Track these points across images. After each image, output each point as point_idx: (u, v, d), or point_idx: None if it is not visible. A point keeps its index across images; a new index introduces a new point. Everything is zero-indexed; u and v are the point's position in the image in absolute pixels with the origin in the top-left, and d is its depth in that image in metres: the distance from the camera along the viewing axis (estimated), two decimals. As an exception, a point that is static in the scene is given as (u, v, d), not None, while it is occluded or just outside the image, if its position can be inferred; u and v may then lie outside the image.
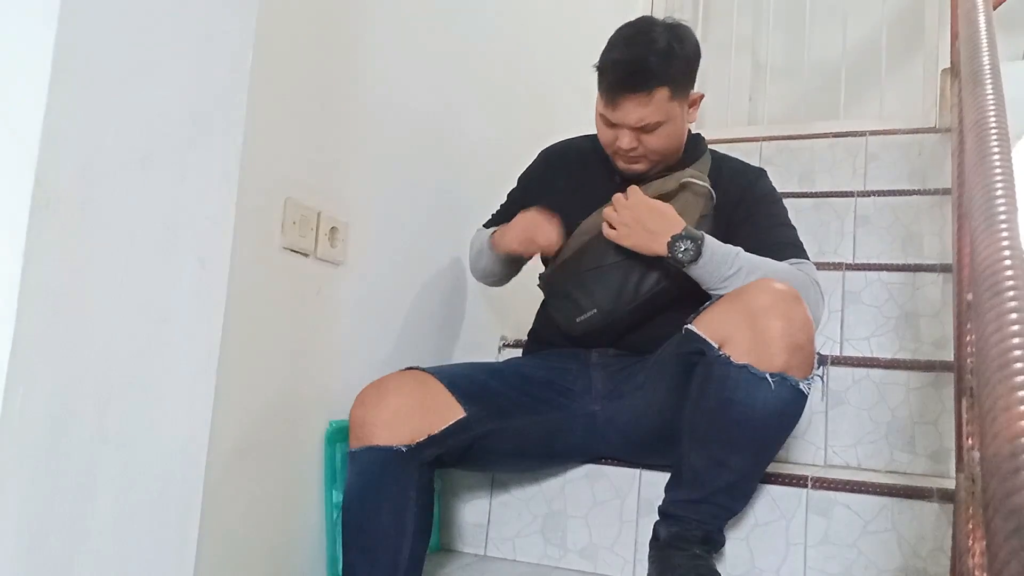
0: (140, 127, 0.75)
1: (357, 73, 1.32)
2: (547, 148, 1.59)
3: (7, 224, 0.65)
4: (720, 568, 1.21)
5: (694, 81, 1.36)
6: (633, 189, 1.31)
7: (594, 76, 1.33)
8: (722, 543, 1.24)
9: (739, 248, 1.26)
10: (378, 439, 1.17)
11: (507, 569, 1.38)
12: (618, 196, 1.31)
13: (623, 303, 1.33)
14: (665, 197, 1.32)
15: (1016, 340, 0.54)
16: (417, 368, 1.28)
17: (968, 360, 0.99)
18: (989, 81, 1.10)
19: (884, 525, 1.24)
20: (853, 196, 2.13)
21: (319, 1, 1.23)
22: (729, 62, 3.05)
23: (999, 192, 0.78)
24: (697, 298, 1.29)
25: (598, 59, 1.33)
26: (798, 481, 1.29)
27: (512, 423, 1.29)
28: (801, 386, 1.14)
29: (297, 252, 1.19)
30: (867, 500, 1.25)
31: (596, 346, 1.41)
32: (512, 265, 1.51)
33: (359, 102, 1.33)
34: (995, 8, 1.79)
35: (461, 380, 1.28)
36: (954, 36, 2.10)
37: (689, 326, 1.21)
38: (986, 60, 1.19)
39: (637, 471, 1.38)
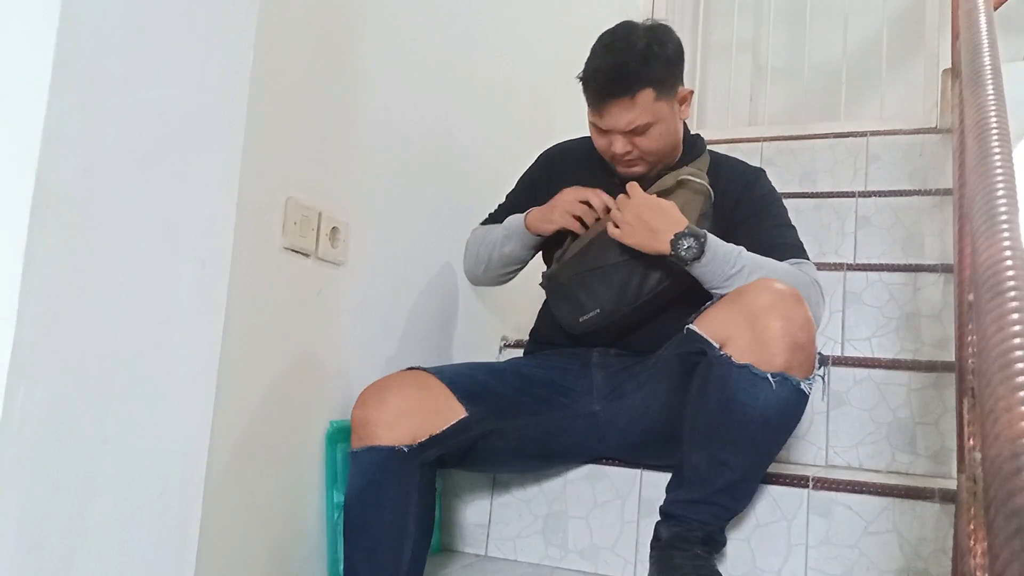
0: (141, 127, 0.75)
1: (358, 73, 1.32)
2: (547, 150, 1.59)
3: (8, 224, 0.65)
4: (721, 568, 1.21)
5: (680, 79, 1.36)
6: (634, 187, 1.31)
7: (590, 79, 1.33)
8: (723, 543, 1.24)
9: (741, 247, 1.26)
10: (380, 439, 1.17)
11: (508, 569, 1.38)
12: (621, 195, 1.31)
13: (625, 303, 1.33)
14: (663, 195, 1.32)
15: (1017, 340, 0.54)
16: (418, 368, 1.28)
17: (969, 360, 0.99)
18: (990, 82, 1.10)
19: (885, 526, 1.23)
20: (854, 197, 2.13)
21: (320, 1, 1.23)
22: (730, 63, 3.05)
23: (1000, 193, 0.78)
24: (698, 298, 1.29)
25: (581, 69, 1.33)
26: (799, 481, 1.29)
27: (513, 423, 1.29)
28: (802, 386, 1.14)
29: (298, 252, 1.19)
30: (868, 501, 1.25)
31: (597, 345, 1.41)
32: (534, 252, 1.50)
33: (360, 102, 1.33)
34: (996, 9, 1.80)
35: (462, 380, 1.28)
36: (955, 36, 2.09)
37: (690, 326, 1.21)
38: (987, 61, 1.19)
39: (638, 471, 1.38)
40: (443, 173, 1.62)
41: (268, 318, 1.14)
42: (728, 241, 1.28)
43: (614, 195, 1.33)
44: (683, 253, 1.23)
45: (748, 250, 1.27)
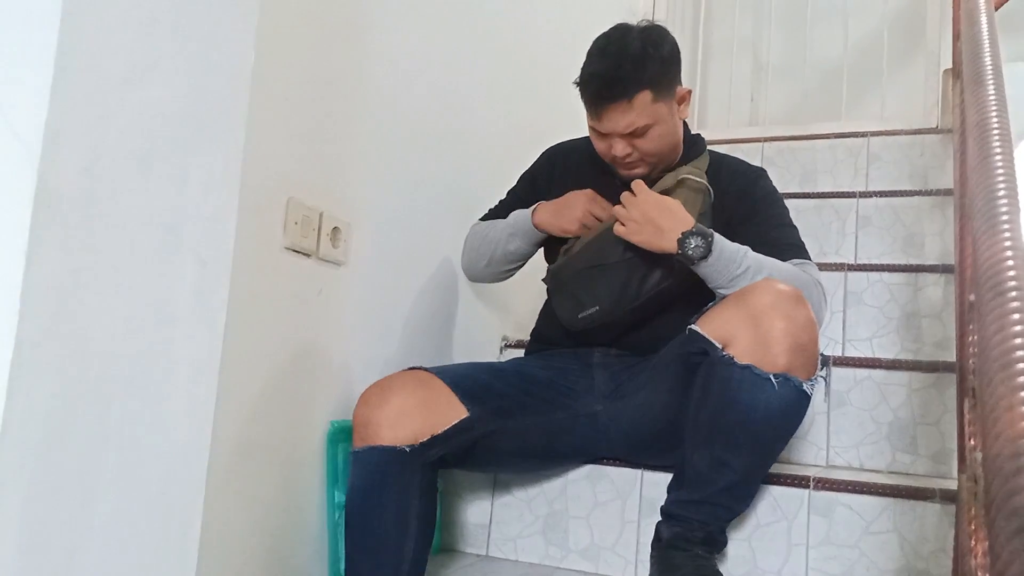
0: (142, 127, 0.75)
1: (360, 73, 1.32)
2: (551, 148, 1.59)
3: (10, 224, 0.65)
4: (722, 568, 1.21)
5: (678, 79, 1.36)
6: (640, 185, 1.30)
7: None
8: (724, 543, 1.24)
9: (747, 247, 1.26)
10: (381, 439, 1.17)
11: (509, 569, 1.38)
12: (626, 193, 1.31)
13: (625, 302, 1.33)
14: (664, 194, 1.32)
15: (1018, 340, 0.54)
16: (420, 368, 1.28)
17: (970, 361, 0.99)
18: (991, 82, 1.10)
19: (886, 526, 1.23)
20: (855, 197, 2.13)
21: (321, 1, 1.23)
22: (730, 63, 3.05)
23: (1001, 193, 0.78)
24: (699, 298, 1.29)
25: (578, 75, 1.33)
26: (800, 482, 1.29)
27: (515, 423, 1.29)
28: (804, 387, 1.14)
29: (299, 252, 1.19)
30: (869, 501, 1.25)
31: (597, 344, 1.41)
32: (537, 248, 1.50)
33: (362, 102, 1.33)
34: (997, 9, 1.80)
35: (464, 380, 1.28)
36: (956, 36, 2.10)
37: (692, 326, 1.21)
38: (988, 61, 1.19)
39: (639, 471, 1.38)
40: (445, 173, 1.62)
41: (269, 318, 1.14)
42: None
43: (616, 196, 1.33)
44: (690, 252, 1.23)
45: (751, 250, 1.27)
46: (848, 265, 1.85)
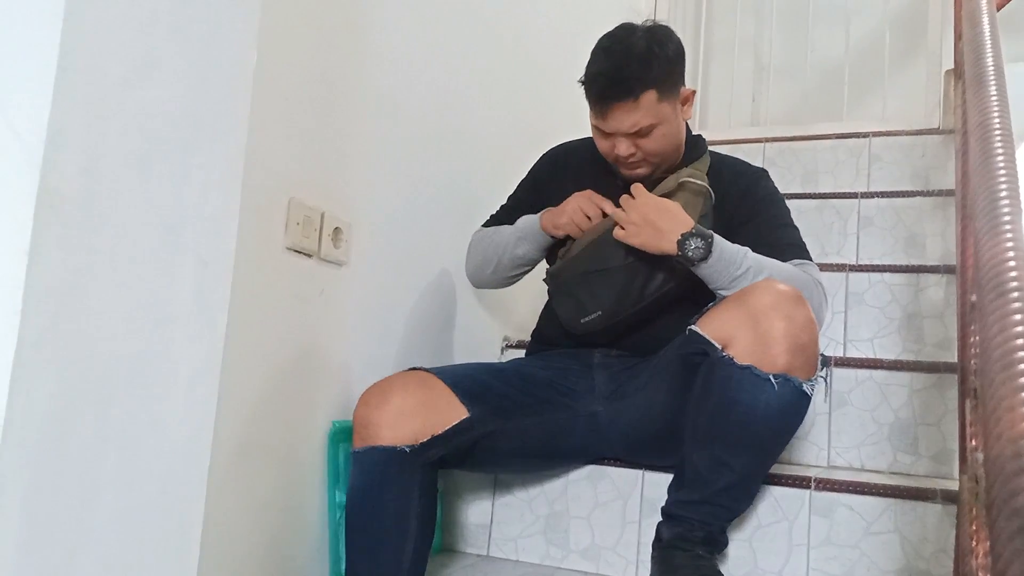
0: (143, 127, 0.75)
1: (361, 73, 1.32)
2: (550, 150, 1.59)
3: (12, 224, 0.65)
4: (723, 569, 1.21)
5: (682, 79, 1.36)
6: (639, 187, 1.30)
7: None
8: (725, 544, 1.24)
9: (747, 248, 1.26)
10: (382, 439, 1.17)
11: (509, 569, 1.38)
12: (625, 196, 1.31)
13: (627, 305, 1.33)
14: (665, 197, 1.32)
15: (1020, 341, 0.54)
16: (421, 368, 1.28)
17: (972, 361, 0.99)
18: (993, 82, 1.10)
19: (887, 526, 1.23)
20: (856, 197, 2.13)
21: (321, 1, 1.23)
22: (732, 63, 3.05)
23: (1003, 194, 0.78)
24: (700, 299, 1.29)
25: (583, 73, 1.33)
26: (801, 482, 1.29)
27: (515, 423, 1.29)
28: (804, 387, 1.14)
29: (300, 252, 1.19)
30: (870, 501, 1.25)
31: (599, 346, 1.41)
32: (544, 253, 1.49)
33: (363, 102, 1.33)
34: (999, 9, 1.79)
35: (464, 380, 1.28)
36: (957, 37, 2.09)
37: (692, 327, 1.21)
38: (990, 61, 1.19)
39: (640, 472, 1.38)
40: (446, 174, 1.62)
41: (270, 318, 1.14)
42: (730, 242, 1.28)
43: (617, 196, 1.33)
44: (690, 253, 1.23)
45: (751, 250, 1.27)
46: (849, 266, 1.85)
